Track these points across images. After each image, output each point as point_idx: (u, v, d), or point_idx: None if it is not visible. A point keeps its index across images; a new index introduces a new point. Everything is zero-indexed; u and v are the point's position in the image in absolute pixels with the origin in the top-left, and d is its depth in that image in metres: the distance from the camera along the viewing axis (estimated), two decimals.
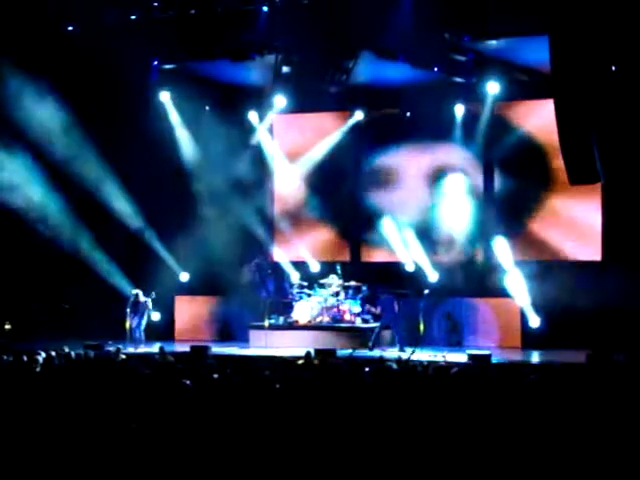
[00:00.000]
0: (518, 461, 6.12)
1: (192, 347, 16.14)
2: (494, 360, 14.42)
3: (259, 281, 19.99)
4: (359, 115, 20.16)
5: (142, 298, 18.69)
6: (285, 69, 18.35)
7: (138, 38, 17.41)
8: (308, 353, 12.97)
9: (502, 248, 18.80)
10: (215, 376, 8.75)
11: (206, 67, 18.94)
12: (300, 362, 11.52)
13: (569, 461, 6.08)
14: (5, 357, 11.03)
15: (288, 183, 21.06)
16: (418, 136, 19.69)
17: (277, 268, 20.59)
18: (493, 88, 18.43)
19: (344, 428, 6.51)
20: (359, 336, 18.09)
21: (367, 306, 18.81)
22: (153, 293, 18.78)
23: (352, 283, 19.10)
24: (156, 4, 17.52)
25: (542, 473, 6.02)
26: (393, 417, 6.85)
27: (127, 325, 18.66)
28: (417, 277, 19.36)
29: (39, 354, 11.29)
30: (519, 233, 19.11)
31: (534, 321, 18.14)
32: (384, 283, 19.01)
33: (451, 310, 18.90)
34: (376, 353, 16.74)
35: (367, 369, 9.58)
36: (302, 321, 18.89)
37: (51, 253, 19.45)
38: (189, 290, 20.67)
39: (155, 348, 17.03)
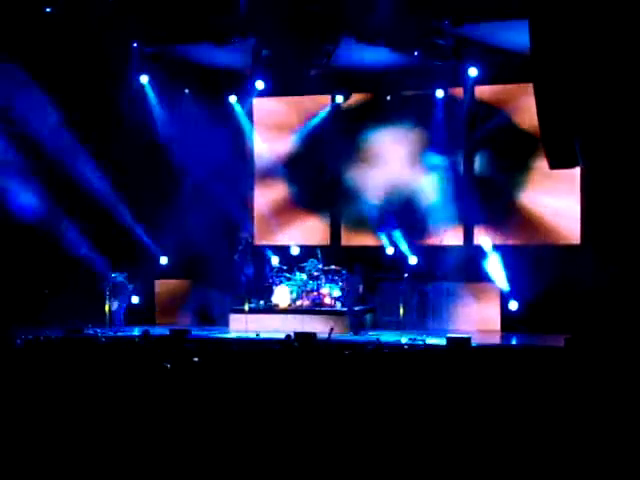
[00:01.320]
0: (497, 445, 6.15)
1: (172, 330, 16.11)
2: (473, 344, 14.48)
3: (240, 264, 19.96)
4: (339, 98, 20.14)
5: (121, 280, 18.66)
6: (265, 52, 18.28)
7: (118, 20, 17.28)
8: (288, 336, 12.99)
9: (482, 232, 18.86)
10: (195, 359, 8.75)
11: (186, 50, 18.82)
12: (280, 346, 11.53)
13: (548, 444, 6.11)
14: None
15: (268, 166, 21.03)
16: (399, 120, 19.71)
17: (257, 252, 20.56)
18: (473, 72, 18.45)
19: (324, 411, 6.52)
20: (338, 320, 18.09)
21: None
22: (131, 285, 18.82)
23: (332, 267, 19.11)
24: None
25: (520, 457, 6.05)
26: (373, 400, 6.87)
27: (107, 308, 18.63)
28: (397, 261, 19.39)
29: (19, 338, 11.27)
30: (499, 217, 19.17)
31: (513, 305, 18.22)
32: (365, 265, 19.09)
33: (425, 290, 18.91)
34: (359, 337, 16.85)
35: (346, 352, 9.60)
36: (282, 305, 18.90)
37: (30, 238, 19.33)
38: (169, 274, 20.62)
39: (135, 332, 17.02)
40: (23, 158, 18.65)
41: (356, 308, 18.22)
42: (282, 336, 13.44)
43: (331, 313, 18.39)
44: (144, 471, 5.76)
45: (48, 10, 17.71)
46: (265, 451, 5.81)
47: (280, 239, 20.67)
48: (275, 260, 19.90)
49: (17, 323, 17.22)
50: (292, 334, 13.83)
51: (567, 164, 14.52)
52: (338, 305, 18.77)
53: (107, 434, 6.21)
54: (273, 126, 21.00)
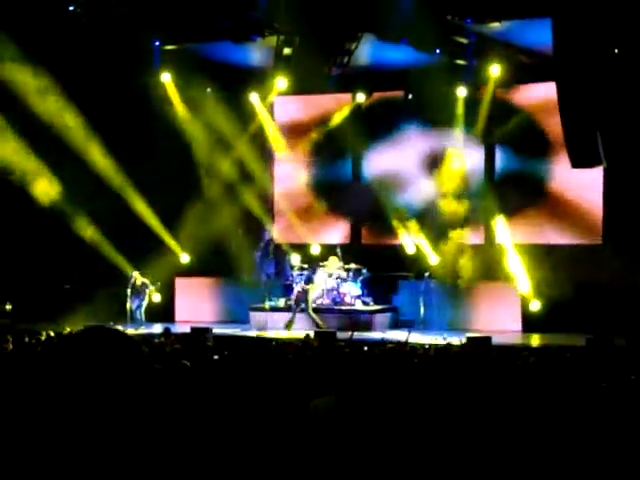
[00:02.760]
0: (517, 444, 6.13)
1: (192, 328, 16.15)
2: (494, 343, 14.42)
3: (260, 263, 20.00)
4: (361, 97, 20.13)
5: (142, 279, 18.76)
6: (286, 51, 18.29)
7: (140, 19, 17.35)
8: (307, 335, 12.99)
9: (503, 232, 18.78)
10: (215, 357, 8.77)
11: (208, 48, 18.88)
12: (299, 344, 11.55)
13: (568, 444, 6.09)
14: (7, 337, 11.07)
15: (289, 165, 21.06)
16: (420, 118, 19.69)
17: (278, 250, 20.59)
18: (495, 71, 18.38)
19: (342, 410, 6.52)
20: (359, 319, 18.08)
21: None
22: (158, 283, 18.91)
23: (352, 266, 19.09)
24: None
25: (540, 457, 6.03)
26: (392, 399, 6.87)
27: (128, 306, 18.72)
28: (418, 260, 19.37)
29: (40, 334, 11.34)
30: (520, 216, 19.10)
31: (534, 305, 18.14)
32: (383, 266, 19.13)
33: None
34: (377, 335, 16.79)
35: (365, 349, 9.61)
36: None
37: (53, 234, 19.46)
38: (189, 271, 20.68)
39: (155, 329, 17.08)
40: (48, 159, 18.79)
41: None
42: (301, 335, 13.45)
43: (351, 312, 18.38)
44: (162, 469, 5.77)
45: (71, 9, 17.81)
46: (284, 451, 5.82)
47: (300, 237, 20.68)
48: (296, 259, 19.90)
49: (39, 318, 17.37)
50: (311, 333, 13.84)
51: (590, 163, 14.46)
52: (358, 304, 18.75)
53: (125, 432, 6.22)
54: (294, 124, 21.01)
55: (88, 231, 19.28)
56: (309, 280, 18.46)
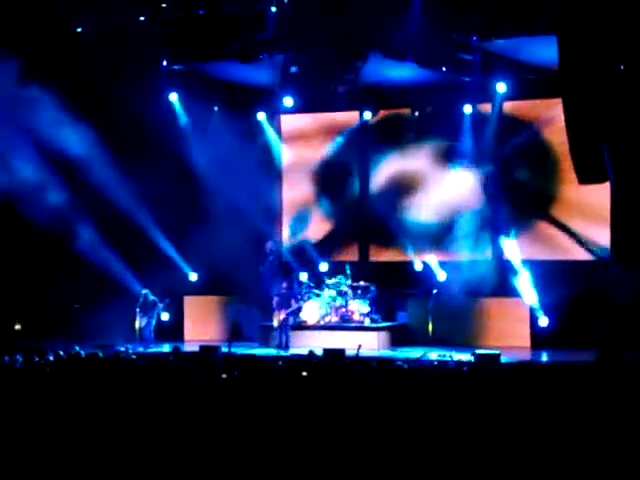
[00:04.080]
0: (528, 460, 6.12)
1: (201, 347, 16.15)
2: (503, 360, 14.41)
3: (267, 277, 19.95)
4: (367, 115, 20.18)
5: (152, 298, 18.79)
6: (293, 69, 18.37)
7: (147, 39, 17.47)
8: (311, 352, 12.96)
9: (511, 247, 18.78)
10: (224, 376, 8.78)
11: (214, 68, 18.98)
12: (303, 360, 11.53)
13: (579, 460, 6.08)
14: (16, 357, 11.09)
15: (297, 183, 21.10)
16: (426, 136, 19.71)
17: (286, 267, 20.60)
18: (501, 87, 18.43)
19: (352, 428, 6.52)
20: (368, 336, 18.05)
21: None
22: (167, 300, 18.94)
23: (360, 283, 19.10)
24: (164, 5, 17.58)
25: (551, 472, 6.02)
26: (402, 417, 6.87)
27: (137, 325, 18.74)
28: (426, 276, 19.37)
29: (49, 354, 11.37)
30: (528, 232, 19.09)
31: (543, 321, 18.11)
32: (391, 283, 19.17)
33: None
34: (386, 353, 16.78)
35: (373, 368, 9.60)
36: (310, 321, 18.90)
37: (62, 254, 19.51)
38: (198, 290, 20.70)
39: (165, 348, 17.10)
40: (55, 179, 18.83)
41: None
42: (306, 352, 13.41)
43: (360, 329, 18.37)
44: None
45: (79, 30, 17.94)
46: (292, 466, 5.83)
47: (308, 255, 20.69)
48: (304, 276, 19.91)
49: (49, 338, 17.41)
50: (315, 350, 13.77)
51: (596, 179, 14.44)
52: (366, 321, 18.74)
53: (136, 449, 6.25)
54: (301, 142, 21.07)
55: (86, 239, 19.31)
56: (299, 311, 18.54)
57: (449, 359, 14.68)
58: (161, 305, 18.89)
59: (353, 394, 7.58)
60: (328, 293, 18.98)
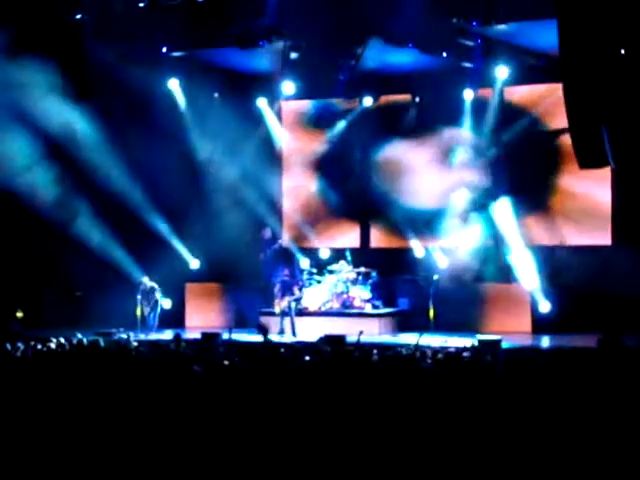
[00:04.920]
0: (529, 446, 6.14)
1: (203, 334, 16.18)
2: (504, 345, 14.42)
3: (268, 266, 19.98)
4: (368, 101, 20.14)
5: (152, 285, 18.80)
6: (293, 55, 18.33)
7: (146, 25, 17.42)
8: (321, 339, 12.99)
9: (512, 233, 18.77)
10: (225, 363, 8.78)
11: (214, 54, 18.93)
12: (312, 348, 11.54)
13: (580, 446, 6.10)
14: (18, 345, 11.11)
15: (297, 169, 21.09)
16: (427, 121, 19.69)
17: (287, 254, 20.63)
18: (502, 73, 18.40)
19: (356, 416, 6.53)
20: (369, 322, 18.07)
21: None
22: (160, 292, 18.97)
23: (362, 269, 19.12)
24: None
25: (553, 458, 6.04)
26: (403, 403, 6.88)
27: (138, 312, 18.76)
28: (427, 263, 19.39)
29: (51, 341, 11.39)
30: (529, 218, 19.09)
31: (544, 306, 18.13)
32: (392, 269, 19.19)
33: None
34: (386, 339, 16.80)
35: (375, 355, 9.61)
36: (312, 307, 18.93)
37: (63, 241, 19.51)
38: (200, 277, 20.72)
39: (166, 335, 17.11)
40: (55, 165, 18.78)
41: None
42: (312, 339, 13.44)
43: (361, 315, 18.39)
44: (171, 472, 5.80)
45: (78, 17, 17.88)
46: (294, 455, 5.84)
47: (309, 241, 20.73)
48: (305, 263, 19.92)
49: (51, 326, 17.44)
50: (322, 337, 13.81)
51: (597, 164, 14.41)
52: (368, 307, 18.77)
53: (136, 435, 6.26)
54: (302, 129, 21.06)
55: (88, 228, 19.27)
56: (300, 297, 18.53)
57: (450, 345, 14.67)
58: (159, 290, 18.85)
59: (354, 381, 7.60)
60: (330, 280, 18.99)
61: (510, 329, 17.93)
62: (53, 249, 19.98)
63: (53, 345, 11.38)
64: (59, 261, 20.11)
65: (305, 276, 19.34)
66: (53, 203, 18.76)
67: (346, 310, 18.72)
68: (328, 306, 18.89)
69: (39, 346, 11.21)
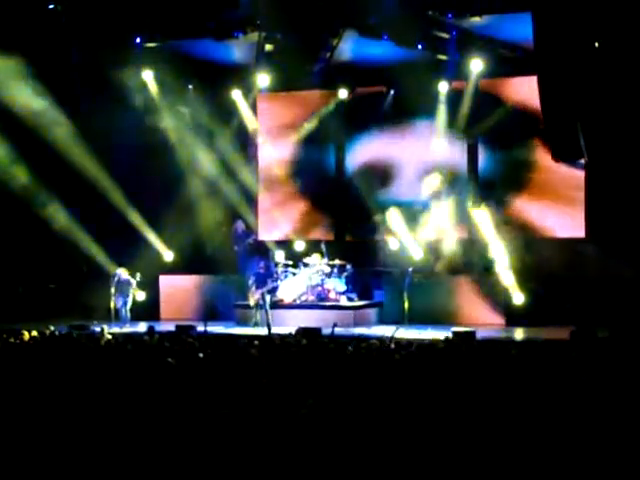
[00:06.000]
0: (501, 437, 6.16)
1: (177, 326, 16.11)
2: (478, 337, 14.47)
3: (243, 259, 19.95)
4: (343, 93, 20.12)
5: (126, 277, 18.69)
6: (268, 47, 18.27)
7: (121, 16, 17.29)
8: (298, 331, 12.99)
9: (486, 224, 18.82)
10: (200, 355, 8.77)
11: (189, 45, 18.83)
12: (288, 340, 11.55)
13: (552, 437, 6.12)
14: None
15: (272, 162, 21.05)
16: (402, 113, 19.70)
17: (262, 247, 20.60)
18: (477, 65, 18.41)
19: (332, 406, 6.53)
20: (343, 314, 18.08)
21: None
22: (138, 275, 18.78)
23: (336, 262, 19.12)
24: None
25: (525, 448, 6.06)
26: (379, 394, 6.88)
27: (112, 305, 18.64)
28: (401, 255, 19.40)
29: (22, 334, 11.30)
30: (503, 209, 19.15)
31: (518, 298, 18.20)
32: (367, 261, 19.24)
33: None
34: (359, 331, 16.81)
35: (350, 347, 9.62)
36: (287, 300, 18.91)
37: (36, 233, 19.38)
38: (174, 269, 20.64)
39: (140, 328, 17.03)
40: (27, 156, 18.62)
41: None
42: (286, 331, 13.44)
43: (336, 308, 18.40)
44: (147, 467, 5.77)
45: (51, 7, 17.73)
46: (270, 448, 5.83)
47: (284, 234, 20.71)
48: (280, 255, 19.89)
49: (23, 318, 17.31)
50: (297, 329, 13.80)
51: (571, 156, 14.52)
52: (342, 299, 18.77)
53: (111, 430, 6.22)
54: (277, 121, 21.01)
55: (60, 219, 19.11)
56: (274, 290, 18.51)
57: (425, 337, 14.71)
58: (134, 282, 18.75)
59: (329, 372, 7.60)
60: (304, 272, 18.97)
61: (484, 321, 18.01)
62: (25, 240, 19.83)
63: (26, 338, 11.31)
64: (32, 253, 19.98)
65: (280, 269, 19.30)
66: (23, 193, 18.61)
67: (321, 302, 18.72)
68: (303, 299, 18.88)
69: (11, 339, 11.13)
